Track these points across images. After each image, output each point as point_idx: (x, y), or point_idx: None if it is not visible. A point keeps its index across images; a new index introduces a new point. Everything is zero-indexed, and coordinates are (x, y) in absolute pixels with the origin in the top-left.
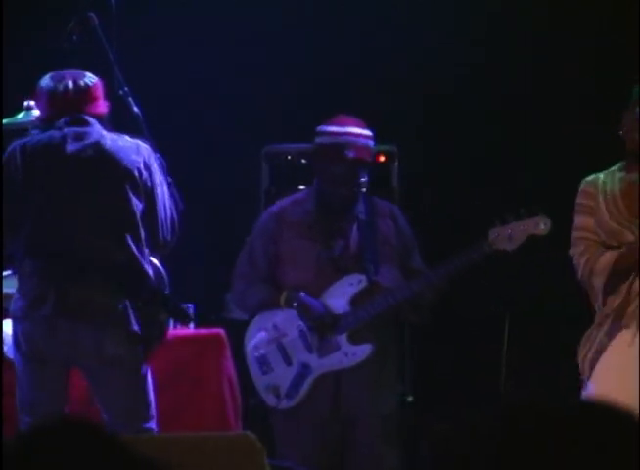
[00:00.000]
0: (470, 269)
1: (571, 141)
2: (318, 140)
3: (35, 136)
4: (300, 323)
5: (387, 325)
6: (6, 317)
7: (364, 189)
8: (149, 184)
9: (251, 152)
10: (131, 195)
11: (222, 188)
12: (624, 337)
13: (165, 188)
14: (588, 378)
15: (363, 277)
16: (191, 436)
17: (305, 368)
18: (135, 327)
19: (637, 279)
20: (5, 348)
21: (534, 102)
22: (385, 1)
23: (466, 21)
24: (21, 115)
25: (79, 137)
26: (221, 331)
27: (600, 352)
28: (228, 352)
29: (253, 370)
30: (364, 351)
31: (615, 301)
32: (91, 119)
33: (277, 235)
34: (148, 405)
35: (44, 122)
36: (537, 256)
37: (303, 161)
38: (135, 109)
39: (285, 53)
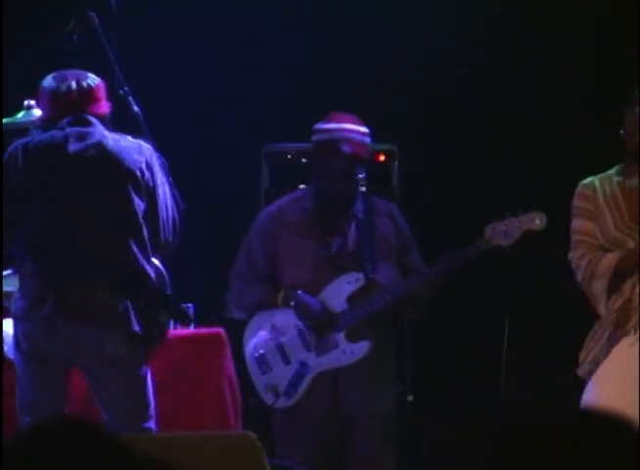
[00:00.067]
0: (466, 266)
1: (571, 141)
2: (314, 138)
3: (37, 136)
4: (299, 322)
5: (385, 323)
6: (6, 317)
7: (363, 188)
8: (151, 184)
9: (251, 152)
10: (133, 195)
11: (222, 188)
12: (627, 341)
13: (167, 188)
14: (589, 380)
15: (360, 275)
16: (191, 435)
17: (304, 367)
18: (136, 327)
19: (639, 282)
20: (5, 348)
21: (534, 102)
22: (385, 1)
23: (466, 21)
24: (21, 114)
25: (82, 137)
26: (221, 330)
27: (603, 355)
28: (228, 352)
29: (252, 370)
30: (362, 348)
31: (616, 302)
32: (93, 120)
33: (275, 235)
34: (147, 405)
35: (46, 122)
36: (538, 255)
37: (304, 160)
38: (135, 108)
39: (285, 53)
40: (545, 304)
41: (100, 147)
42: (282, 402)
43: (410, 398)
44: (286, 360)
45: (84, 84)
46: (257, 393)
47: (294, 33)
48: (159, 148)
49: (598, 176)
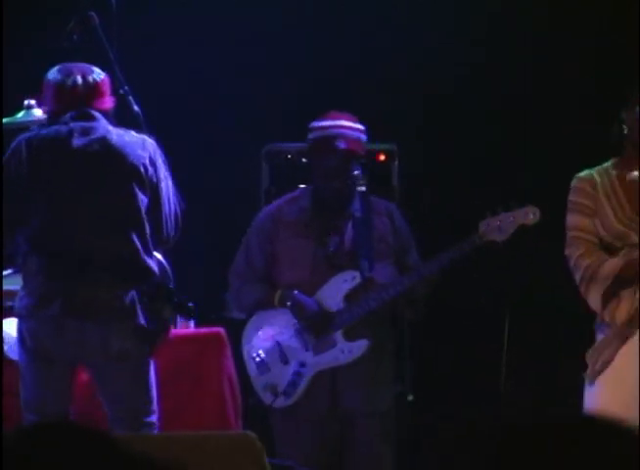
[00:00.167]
0: (461, 261)
1: (571, 141)
2: (310, 136)
3: (41, 130)
4: (296, 322)
5: (383, 322)
6: (6, 316)
7: (363, 188)
8: (154, 180)
9: (251, 152)
10: (137, 191)
11: (222, 188)
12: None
13: (170, 183)
14: (594, 380)
15: (357, 273)
16: (191, 435)
17: (302, 366)
18: (142, 321)
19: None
20: (5, 348)
21: (534, 102)
22: (385, 1)
23: (466, 21)
24: (21, 114)
25: (86, 132)
26: (221, 330)
27: (609, 362)
28: (228, 352)
29: (251, 370)
30: (360, 347)
31: (619, 309)
32: (97, 114)
33: (273, 235)
34: (151, 399)
35: (50, 116)
36: (535, 251)
37: (304, 160)
38: (135, 108)
39: (285, 53)
40: (543, 300)
41: (104, 142)
42: (280, 402)
43: (410, 398)
44: (284, 360)
45: (90, 79)
46: (256, 392)
47: (294, 33)
48: (159, 148)
49: (595, 169)
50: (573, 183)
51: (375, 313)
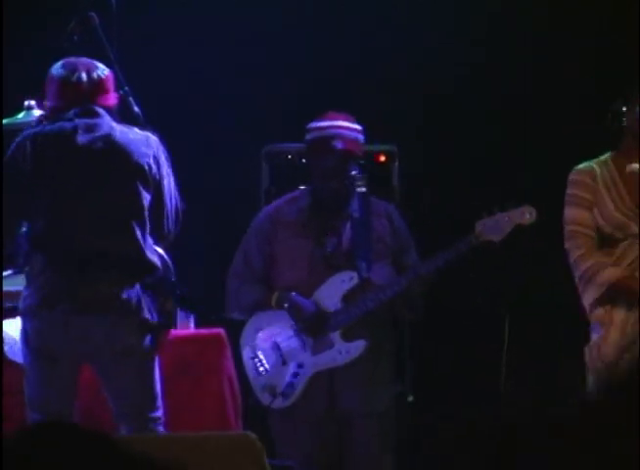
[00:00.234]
0: (458, 261)
1: (571, 141)
2: (308, 137)
3: (45, 126)
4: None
5: (381, 322)
6: (6, 317)
7: (364, 189)
8: (157, 177)
9: (251, 152)
10: (141, 189)
11: (222, 188)
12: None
13: (172, 179)
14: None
15: (354, 274)
16: (191, 435)
17: (300, 367)
18: (147, 315)
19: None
20: (5, 347)
21: (534, 102)
22: (385, 1)
23: (466, 21)
24: (21, 115)
25: (90, 129)
26: (221, 331)
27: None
28: (228, 352)
29: (250, 371)
30: (358, 347)
31: (610, 315)
32: (101, 111)
33: (272, 236)
34: (156, 395)
35: (53, 112)
36: (536, 255)
37: (303, 160)
38: (135, 108)
39: (285, 53)
40: (541, 300)
41: (108, 139)
42: (279, 403)
43: (410, 398)
44: (282, 361)
45: (94, 75)
46: (254, 393)
47: (294, 33)
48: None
49: (594, 161)
50: (573, 176)
51: (373, 314)
